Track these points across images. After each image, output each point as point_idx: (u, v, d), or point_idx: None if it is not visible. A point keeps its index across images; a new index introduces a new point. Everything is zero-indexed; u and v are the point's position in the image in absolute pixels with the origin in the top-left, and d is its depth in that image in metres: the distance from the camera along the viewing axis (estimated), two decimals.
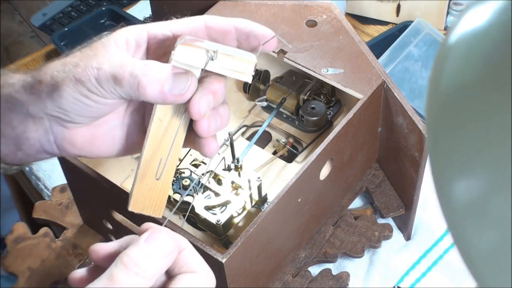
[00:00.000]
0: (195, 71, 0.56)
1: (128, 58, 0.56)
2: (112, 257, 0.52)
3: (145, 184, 0.59)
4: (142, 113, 0.61)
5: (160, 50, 0.59)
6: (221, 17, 0.60)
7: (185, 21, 0.60)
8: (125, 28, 0.59)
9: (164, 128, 0.58)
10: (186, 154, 0.88)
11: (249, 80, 0.57)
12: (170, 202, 0.87)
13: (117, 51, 0.56)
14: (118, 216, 0.83)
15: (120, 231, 0.85)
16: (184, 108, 0.58)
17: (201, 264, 0.53)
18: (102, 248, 0.54)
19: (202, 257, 0.54)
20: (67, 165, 0.81)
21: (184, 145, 0.61)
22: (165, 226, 0.54)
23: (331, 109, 0.96)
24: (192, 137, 0.60)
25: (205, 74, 0.57)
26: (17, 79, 0.58)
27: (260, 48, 0.59)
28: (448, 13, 1.18)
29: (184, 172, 0.85)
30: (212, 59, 0.55)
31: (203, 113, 0.57)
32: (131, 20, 1.28)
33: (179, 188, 0.84)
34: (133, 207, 0.59)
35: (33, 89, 0.57)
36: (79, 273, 0.54)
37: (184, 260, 0.52)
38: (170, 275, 0.53)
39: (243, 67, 0.56)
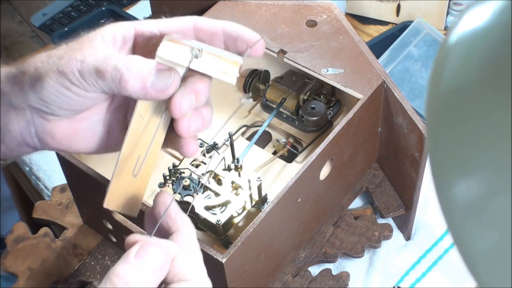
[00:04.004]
0: (179, 69, 0.55)
1: (112, 53, 0.56)
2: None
3: (122, 181, 0.58)
4: (125, 111, 0.61)
5: (146, 48, 0.59)
6: (210, 19, 0.60)
7: (174, 20, 0.60)
8: (113, 24, 0.59)
9: (145, 125, 0.58)
10: None
11: (233, 81, 0.56)
12: None
13: (103, 46, 0.56)
14: (118, 216, 0.83)
15: (120, 231, 0.85)
16: (165, 106, 0.57)
17: (194, 271, 0.52)
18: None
19: (195, 263, 0.53)
20: (67, 165, 0.81)
21: (164, 145, 0.60)
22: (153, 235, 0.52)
23: (331, 109, 0.96)
24: (172, 136, 0.59)
25: (190, 74, 0.56)
26: (2, 71, 0.58)
27: (248, 52, 0.59)
28: (448, 13, 1.18)
29: (184, 172, 0.85)
30: (197, 57, 0.55)
31: (184, 112, 0.56)
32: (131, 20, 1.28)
33: (179, 188, 0.84)
34: (108, 204, 0.58)
35: (16, 80, 0.57)
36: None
37: (176, 269, 0.51)
38: (162, 285, 0.51)
39: (228, 68, 0.56)
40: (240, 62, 0.56)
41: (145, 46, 0.59)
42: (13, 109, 0.57)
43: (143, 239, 0.51)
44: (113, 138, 0.61)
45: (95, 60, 0.54)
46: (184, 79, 0.56)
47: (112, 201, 0.58)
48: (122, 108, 0.61)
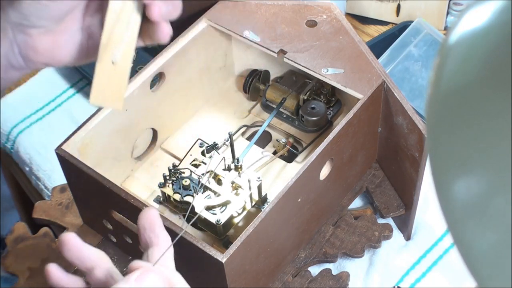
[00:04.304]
0: None
1: None
2: (82, 261, 0.54)
3: (103, 71, 0.62)
4: (101, 15, 0.63)
5: None
6: None
7: None
8: None
9: (119, 14, 0.61)
10: (186, 154, 0.88)
11: None
12: (170, 202, 0.87)
13: None
14: (118, 216, 0.83)
15: (120, 231, 0.85)
16: None
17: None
18: (76, 243, 0.55)
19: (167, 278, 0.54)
20: (67, 165, 0.81)
21: (141, 40, 0.64)
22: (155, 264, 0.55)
23: (331, 109, 0.96)
24: (146, 27, 0.63)
25: None
26: None
27: None
28: (448, 13, 1.18)
29: (184, 172, 0.85)
30: None
31: None
32: None
33: (179, 188, 0.84)
34: (93, 100, 0.61)
35: None
36: (58, 271, 0.56)
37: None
38: None
39: None
40: None
41: None
42: None
43: (145, 266, 0.53)
44: (93, 43, 0.64)
45: None
46: None
47: (97, 96, 0.62)
48: (98, 13, 0.63)
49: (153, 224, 0.56)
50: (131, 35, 0.62)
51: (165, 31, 0.63)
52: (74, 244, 0.55)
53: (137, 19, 0.62)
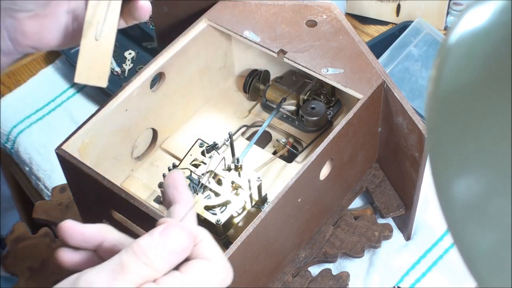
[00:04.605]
0: None
1: None
2: (89, 241, 0.53)
3: (87, 48, 0.65)
4: None
5: None
6: None
7: None
8: None
9: None
10: (186, 154, 0.88)
11: None
12: None
13: None
14: (118, 216, 0.83)
15: (120, 231, 0.85)
16: None
17: (217, 253, 0.53)
18: (76, 228, 0.55)
19: (220, 249, 0.54)
20: (67, 165, 0.81)
21: (123, 21, 0.68)
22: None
23: (331, 109, 0.96)
24: (127, 7, 0.67)
25: None
26: None
27: None
28: (448, 13, 1.18)
29: (184, 172, 0.85)
30: None
31: None
32: None
33: None
34: (78, 77, 0.66)
35: None
36: (67, 251, 0.55)
37: (199, 250, 0.52)
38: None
39: None
40: None
41: None
42: None
43: (171, 221, 0.53)
44: (79, 27, 0.67)
45: None
46: None
47: (81, 73, 0.66)
48: None
49: (177, 182, 0.56)
50: (113, 13, 0.66)
51: (144, 8, 0.66)
52: (74, 228, 0.55)
53: (117, 2, 0.66)
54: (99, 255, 0.55)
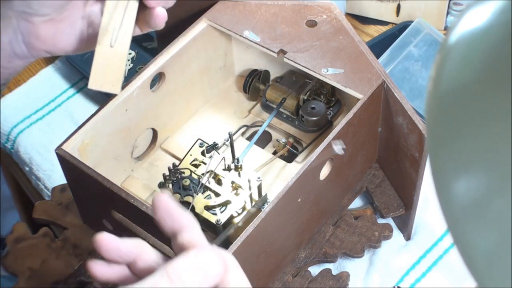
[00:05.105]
0: None
1: None
2: (124, 257, 0.51)
3: (102, 54, 0.65)
4: (100, 4, 0.66)
5: None
6: None
7: None
8: None
9: (117, 2, 0.66)
10: (186, 154, 0.88)
11: None
12: None
13: None
14: (118, 216, 0.83)
15: (120, 231, 0.85)
16: None
17: (245, 283, 0.52)
18: (112, 242, 0.53)
19: (246, 277, 0.53)
20: (67, 165, 0.81)
21: (138, 28, 0.68)
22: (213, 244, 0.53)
23: (331, 109, 0.96)
24: (143, 14, 0.67)
25: None
26: None
27: None
28: (448, 13, 1.18)
29: (184, 172, 0.85)
30: None
31: None
32: None
33: (179, 188, 0.84)
34: (92, 84, 0.65)
35: None
36: (100, 265, 0.54)
37: (229, 278, 0.51)
38: None
39: None
40: None
41: None
42: (1, 20, 0.63)
43: (202, 242, 0.52)
44: (93, 33, 0.67)
45: None
46: None
47: (95, 80, 0.65)
48: (98, 2, 0.66)
49: (170, 212, 0.54)
50: (129, 20, 0.66)
51: (160, 17, 0.66)
52: (110, 243, 0.53)
53: (134, 5, 0.66)
54: (133, 270, 0.54)
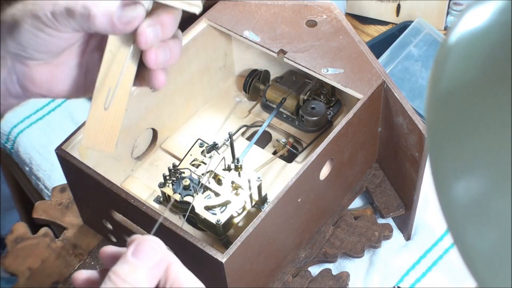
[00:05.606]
0: (145, 2, 0.58)
1: None
2: (115, 259, 0.53)
3: (95, 115, 0.61)
4: (101, 53, 0.62)
5: None
6: None
7: None
8: None
9: (114, 58, 0.60)
10: (186, 154, 0.88)
11: (197, 11, 0.58)
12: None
13: None
14: (118, 216, 0.83)
15: (120, 231, 0.85)
16: (133, 39, 0.59)
17: (192, 280, 0.54)
18: (109, 249, 0.55)
19: (193, 276, 0.54)
20: (67, 165, 0.81)
21: (137, 82, 0.63)
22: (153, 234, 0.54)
23: (331, 109, 0.96)
24: (143, 71, 0.62)
25: (156, 6, 0.59)
26: None
27: None
28: (448, 13, 1.18)
29: (184, 172, 0.85)
30: None
31: (150, 43, 0.58)
32: None
33: (179, 188, 0.84)
34: (85, 143, 0.62)
35: None
36: (84, 274, 0.55)
37: (173, 275, 0.53)
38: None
39: None
40: None
41: None
42: None
43: (140, 237, 0.53)
44: (91, 81, 0.63)
45: (66, 1, 0.57)
46: (151, 12, 0.59)
47: (88, 139, 0.62)
48: (98, 50, 0.63)
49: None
50: (127, 80, 0.61)
51: (159, 79, 0.61)
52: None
53: (133, 66, 0.61)
54: None
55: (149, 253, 0.52)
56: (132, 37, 0.59)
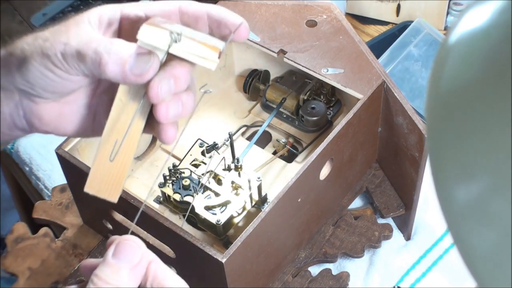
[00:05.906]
0: (159, 53, 0.55)
1: (96, 35, 0.56)
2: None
3: (100, 165, 0.59)
4: (111, 95, 0.60)
5: (132, 31, 0.58)
6: (196, 2, 0.59)
7: (159, 3, 0.59)
8: (100, 6, 0.59)
9: (124, 109, 0.57)
10: (186, 154, 0.88)
11: (213, 67, 0.55)
12: (170, 202, 0.87)
13: (88, 28, 0.56)
14: (118, 216, 0.83)
15: (120, 231, 0.85)
16: (145, 90, 0.56)
17: (173, 278, 0.53)
18: (89, 262, 0.55)
19: (174, 274, 0.54)
20: (67, 165, 0.81)
21: (146, 131, 0.60)
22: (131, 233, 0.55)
23: (331, 109, 0.96)
24: (153, 122, 0.59)
25: (170, 58, 0.56)
26: None
27: (231, 37, 0.57)
28: (448, 13, 1.18)
29: (184, 172, 0.85)
30: (176, 42, 0.54)
31: (162, 97, 0.55)
32: None
33: (179, 188, 0.84)
34: (88, 188, 0.60)
35: (4, 61, 0.57)
36: (92, 262, 0.55)
37: (153, 273, 0.53)
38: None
39: (207, 53, 0.54)
40: (219, 48, 0.54)
41: (131, 29, 0.58)
42: (2, 90, 0.58)
43: (119, 238, 0.53)
44: (99, 122, 0.61)
45: (78, 42, 0.55)
46: (164, 63, 0.55)
47: (91, 186, 0.60)
48: (109, 93, 0.60)
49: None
50: (134, 134, 0.58)
51: (169, 135, 0.59)
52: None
53: (142, 119, 0.58)
54: None
55: (129, 253, 0.52)
56: (144, 88, 0.56)
